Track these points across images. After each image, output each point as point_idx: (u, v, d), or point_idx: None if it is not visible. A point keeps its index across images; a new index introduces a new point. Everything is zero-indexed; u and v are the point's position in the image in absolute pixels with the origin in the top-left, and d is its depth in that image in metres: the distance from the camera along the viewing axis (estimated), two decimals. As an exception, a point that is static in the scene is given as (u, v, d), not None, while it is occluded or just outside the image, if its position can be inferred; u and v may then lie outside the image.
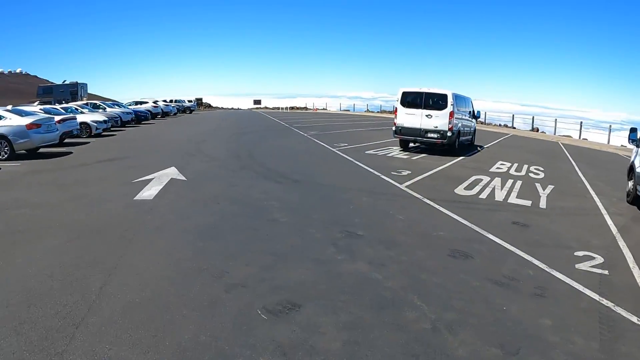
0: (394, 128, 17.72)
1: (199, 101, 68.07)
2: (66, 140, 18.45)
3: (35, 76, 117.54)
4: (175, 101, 53.00)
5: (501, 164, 15.48)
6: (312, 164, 13.96)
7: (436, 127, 16.84)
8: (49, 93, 43.80)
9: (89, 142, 19.26)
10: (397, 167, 13.49)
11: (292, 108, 75.14)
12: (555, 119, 39.42)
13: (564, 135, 37.40)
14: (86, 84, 46.39)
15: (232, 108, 79.95)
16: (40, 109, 18.47)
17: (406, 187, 10.65)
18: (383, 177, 11.82)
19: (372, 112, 70.67)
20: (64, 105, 24.88)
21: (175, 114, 46.96)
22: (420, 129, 17.05)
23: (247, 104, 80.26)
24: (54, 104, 30.68)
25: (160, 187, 9.67)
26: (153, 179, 10.61)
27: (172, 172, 11.41)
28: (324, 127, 30.17)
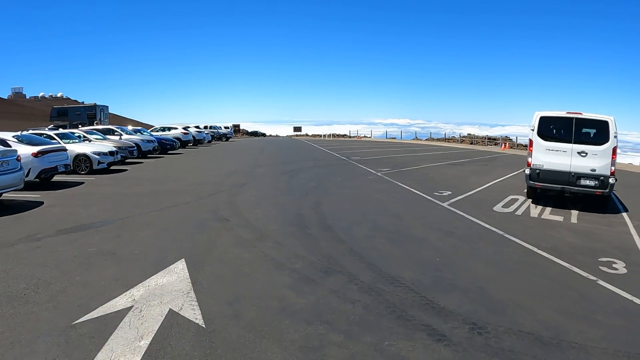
0: (527, 171, 11.80)
1: (235, 128, 62.92)
2: (55, 178, 13.84)
3: (76, 100, 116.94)
4: (210, 127, 47.68)
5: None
6: (445, 245, 7.61)
7: (594, 170, 11.25)
8: (64, 115, 38.80)
9: (82, 183, 13.51)
10: (584, 249, 7.75)
11: (334, 136, 70.13)
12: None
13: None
14: (107, 106, 41.14)
15: (270, 135, 75.15)
16: (13, 137, 12.71)
17: None
18: (611, 288, 5.61)
19: (420, 139, 65.60)
20: (62, 130, 19.30)
21: (209, 141, 41.54)
22: (570, 172, 11.32)
23: (284, 130, 75.82)
24: (69, 128, 26.05)
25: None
26: (130, 310, 4.44)
27: (174, 284, 5.22)
28: (391, 162, 23.70)
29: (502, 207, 11.21)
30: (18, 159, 10.36)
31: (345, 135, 72.56)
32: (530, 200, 12.24)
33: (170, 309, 4.60)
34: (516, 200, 12.25)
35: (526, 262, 6.83)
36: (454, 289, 5.54)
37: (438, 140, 61.98)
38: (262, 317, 4.56)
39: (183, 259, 6.11)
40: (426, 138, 66.66)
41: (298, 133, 71.77)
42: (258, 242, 7.14)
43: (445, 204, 11.23)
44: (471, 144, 50.44)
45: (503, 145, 42.41)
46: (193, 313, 4.54)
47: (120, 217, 8.84)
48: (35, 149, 12.26)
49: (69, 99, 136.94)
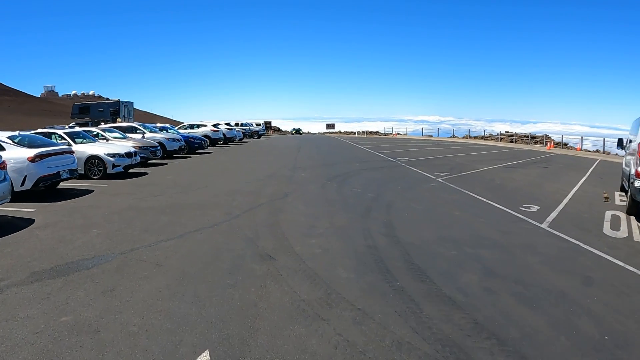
0: (637, 184, 9.09)
1: (267, 125, 60.78)
2: (62, 184, 11.84)
3: (107, 98, 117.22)
4: (241, 124, 45.54)
5: None
6: (594, 303, 4.98)
7: None
8: (86, 112, 37.06)
9: (91, 191, 11.27)
10: None
11: (368, 133, 67.63)
12: None
13: None
14: (131, 103, 39.18)
15: (301, 132, 72.87)
16: (9, 137, 10.48)
17: None
18: None
19: (458, 137, 62.38)
20: (76, 129, 17.19)
21: (240, 139, 39.41)
22: None
23: (315, 127, 73.68)
24: (91, 125, 24.34)
25: None
26: None
27: None
28: (444, 164, 20.85)
29: (611, 229, 8.59)
30: (2, 167, 8.06)
31: (379, 132, 70.03)
32: (634, 217, 9.66)
33: None
34: (618, 217, 9.67)
35: None
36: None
37: (476, 138, 58.71)
38: None
39: (207, 352, 3.57)
40: (463, 136, 63.41)
41: (331, 130, 69.78)
42: (326, 308, 4.53)
43: (545, 226, 8.62)
44: (511, 142, 47.17)
45: (549, 144, 39.18)
46: None
47: (124, 249, 6.40)
48: (32, 152, 10.01)
49: (100, 96, 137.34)
